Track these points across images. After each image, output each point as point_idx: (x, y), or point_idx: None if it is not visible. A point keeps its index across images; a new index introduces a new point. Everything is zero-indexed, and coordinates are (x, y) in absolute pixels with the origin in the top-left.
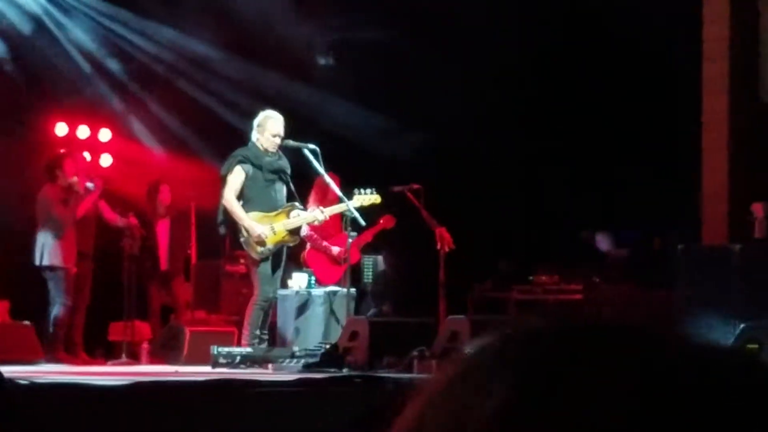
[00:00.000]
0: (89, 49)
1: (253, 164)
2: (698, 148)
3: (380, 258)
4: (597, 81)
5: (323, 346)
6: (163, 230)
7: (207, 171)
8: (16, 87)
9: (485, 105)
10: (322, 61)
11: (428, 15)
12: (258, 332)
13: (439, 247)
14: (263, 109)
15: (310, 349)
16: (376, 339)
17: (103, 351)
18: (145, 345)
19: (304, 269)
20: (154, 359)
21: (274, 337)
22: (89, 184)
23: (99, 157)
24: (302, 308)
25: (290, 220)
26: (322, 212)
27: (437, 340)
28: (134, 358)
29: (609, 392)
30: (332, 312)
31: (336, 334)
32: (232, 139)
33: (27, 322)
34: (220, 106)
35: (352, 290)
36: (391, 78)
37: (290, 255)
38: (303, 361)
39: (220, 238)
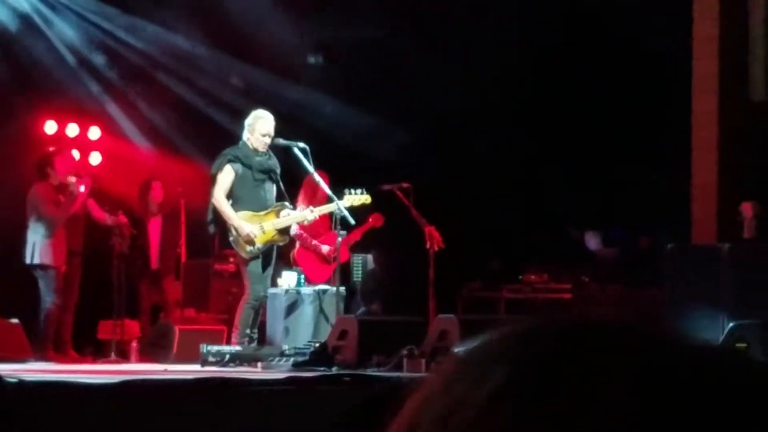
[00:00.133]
0: (78, 47)
1: (243, 163)
2: (688, 147)
3: (370, 257)
4: (587, 80)
5: (312, 344)
6: (154, 228)
7: (196, 170)
8: (5, 85)
9: (475, 104)
10: (311, 59)
11: (418, 13)
12: (248, 331)
13: (428, 246)
14: (252, 108)
15: (299, 348)
16: (365, 338)
17: (92, 349)
18: (134, 343)
19: (294, 268)
20: (144, 358)
21: (263, 335)
22: (73, 178)
23: (88, 155)
24: (292, 307)
25: (280, 219)
26: (312, 212)
27: (427, 339)
28: (123, 356)
29: (608, 391)
30: (322, 311)
31: (325, 333)
32: (221, 138)
33: (16, 321)
34: (210, 105)
35: (342, 289)
36: (380, 77)
37: (280, 254)
38: (292, 359)
39: (210, 236)
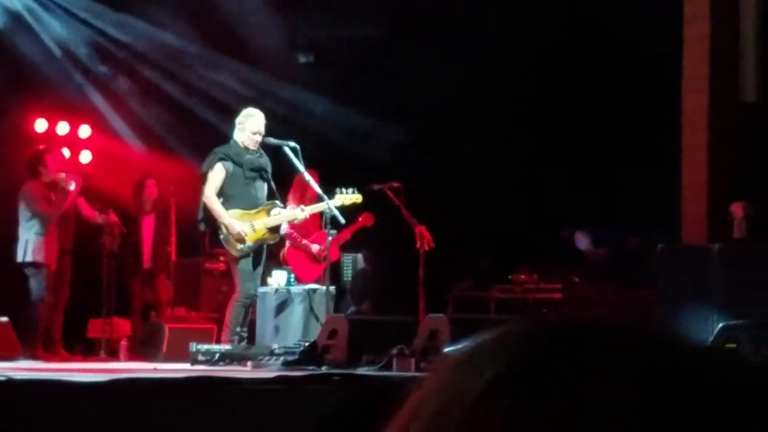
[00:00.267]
0: (69, 44)
1: (233, 162)
2: (679, 147)
3: (360, 256)
4: (579, 80)
5: (302, 343)
6: (147, 226)
7: (187, 168)
8: None
9: (466, 104)
10: (303, 59)
11: (408, 12)
12: (238, 330)
13: (418, 245)
14: (243, 106)
15: (289, 347)
16: (355, 337)
17: (82, 348)
18: (124, 342)
19: (284, 267)
20: (133, 356)
21: (253, 334)
22: (65, 179)
23: (78, 153)
24: (282, 306)
25: (270, 218)
26: (303, 210)
27: (417, 338)
28: (113, 355)
29: (607, 391)
30: (311, 310)
31: (315, 332)
32: (211, 137)
33: (5, 319)
34: (200, 104)
35: (332, 288)
36: (370, 76)
37: (270, 253)
38: (282, 358)
39: (200, 235)
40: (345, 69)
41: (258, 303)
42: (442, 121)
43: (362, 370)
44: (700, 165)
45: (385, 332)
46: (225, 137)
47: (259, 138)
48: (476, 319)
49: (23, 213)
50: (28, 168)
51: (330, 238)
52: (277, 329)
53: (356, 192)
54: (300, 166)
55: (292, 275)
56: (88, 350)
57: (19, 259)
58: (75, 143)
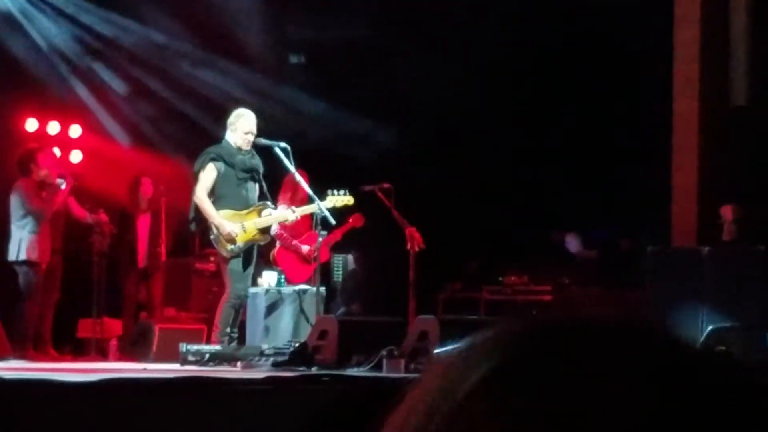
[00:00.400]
0: (59, 44)
1: (225, 162)
2: (669, 149)
3: (350, 257)
4: (568, 82)
5: (292, 344)
6: (143, 225)
7: (177, 168)
8: None
9: (456, 105)
10: (294, 60)
11: (399, 14)
12: (228, 330)
13: (409, 246)
14: (234, 107)
15: (279, 348)
16: (345, 338)
17: (71, 348)
18: (114, 342)
19: (274, 267)
20: (123, 356)
21: (243, 335)
22: (59, 180)
23: (69, 153)
24: (272, 307)
25: (261, 218)
26: (294, 212)
27: (406, 339)
28: (103, 355)
29: (598, 392)
30: (302, 310)
31: (305, 333)
32: (201, 137)
33: None
34: (190, 104)
35: (322, 289)
36: (361, 77)
37: (260, 253)
38: (272, 359)
39: (190, 235)
40: (336, 70)
41: (248, 303)
42: (433, 123)
43: (352, 371)
44: (691, 167)
45: (375, 333)
46: (215, 137)
47: (251, 138)
48: (466, 321)
49: (15, 211)
50: (19, 166)
51: (320, 239)
52: (267, 330)
53: (348, 194)
54: (290, 166)
55: (283, 276)
56: (77, 350)
57: (12, 257)
58: (65, 143)
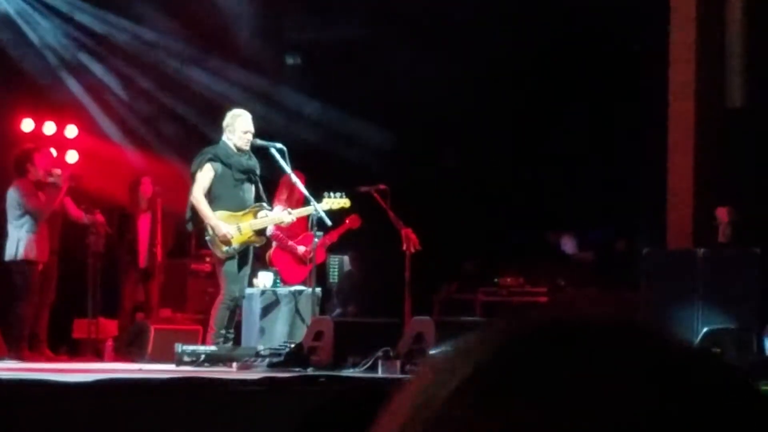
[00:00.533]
0: (56, 44)
1: (222, 163)
2: (665, 151)
3: (346, 258)
4: (563, 84)
5: (288, 345)
6: (143, 225)
7: (173, 169)
8: None
9: (452, 106)
10: (289, 60)
11: (394, 14)
12: (224, 331)
13: (405, 247)
14: (229, 108)
15: (274, 349)
16: (341, 339)
17: (67, 348)
18: (109, 342)
19: (270, 268)
20: (119, 357)
21: (239, 335)
22: (54, 172)
23: (65, 153)
24: (267, 307)
25: (257, 220)
26: (290, 213)
27: (402, 340)
28: (98, 355)
29: (620, 394)
30: (297, 311)
31: (301, 334)
32: (197, 138)
33: None
34: (186, 105)
35: (318, 290)
36: (357, 78)
37: (256, 254)
38: (268, 360)
39: (186, 236)
40: (332, 71)
41: (244, 304)
42: (430, 124)
43: (348, 372)
44: (686, 170)
45: (371, 334)
46: (210, 138)
47: (250, 137)
48: (462, 322)
49: (12, 212)
50: (16, 166)
51: (316, 240)
52: (262, 331)
53: (344, 196)
54: (287, 167)
55: (278, 277)
56: (73, 351)
57: (9, 257)
58: (61, 143)
